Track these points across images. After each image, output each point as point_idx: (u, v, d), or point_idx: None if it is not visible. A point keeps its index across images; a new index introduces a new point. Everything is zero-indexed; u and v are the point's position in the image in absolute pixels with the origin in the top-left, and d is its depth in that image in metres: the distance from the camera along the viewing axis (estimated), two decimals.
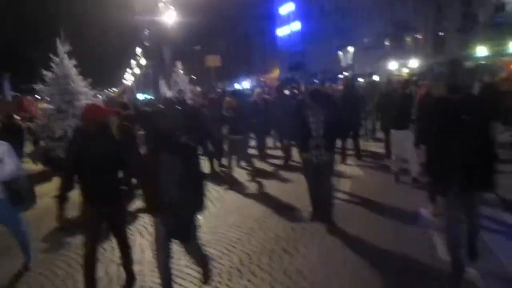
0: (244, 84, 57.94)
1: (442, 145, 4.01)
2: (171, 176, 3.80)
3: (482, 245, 4.68)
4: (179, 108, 11.67)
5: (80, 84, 12.07)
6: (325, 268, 4.89)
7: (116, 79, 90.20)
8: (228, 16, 66.03)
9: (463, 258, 4.13)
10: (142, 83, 73.04)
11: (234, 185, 9.00)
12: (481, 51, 32.21)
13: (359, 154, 10.80)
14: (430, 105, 4.74)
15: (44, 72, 11.69)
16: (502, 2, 32.15)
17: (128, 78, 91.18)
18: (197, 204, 4.04)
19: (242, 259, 5.30)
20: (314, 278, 4.67)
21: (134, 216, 7.19)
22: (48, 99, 11.84)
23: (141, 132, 10.67)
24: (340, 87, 15.74)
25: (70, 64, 11.87)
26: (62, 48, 11.77)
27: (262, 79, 57.08)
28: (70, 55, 12.02)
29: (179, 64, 28.42)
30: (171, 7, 33.27)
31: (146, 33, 56.67)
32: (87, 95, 12.23)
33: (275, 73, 62.39)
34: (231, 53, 64.84)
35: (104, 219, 4.47)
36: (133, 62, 73.64)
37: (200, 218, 4.24)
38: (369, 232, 5.84)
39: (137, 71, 74.44)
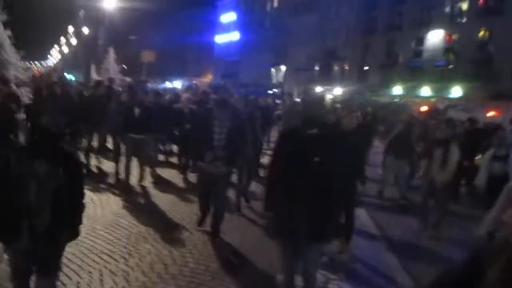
0: (176, 84, 58.06)
1: (286, 186, 3.58)
2: (42, 192, 2.96)
3: None
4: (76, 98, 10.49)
5: (12, 55, 12.21)
6: (207, 246, 5.77)
7: (42, 53, 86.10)
8: (168, 11, 65.85)
9: None
10: (69, 63, 70.51)
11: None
12: (398, 89, 35.30)
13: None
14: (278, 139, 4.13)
15: None
16: (420, 49, 35.55)
17: (55, 55, 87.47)
18: (70, 231, 3.21)
19: (149, 230, 6.11)
20: (198, 253, 5.50)
21: None
22: None
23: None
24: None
25: (5, 34, 12.00)
26: None
27: (194, 81, 57.56)
28: (6, 25, 12.15)
29: (111, 51, 28.29)
30: None
31: (81, 14, 55.20)
32: (16, 66, 12.38)
33: (208, 78, 63.18)
34: (166, 50, 64.66)
35: None
36: (62, 39, 71.09)
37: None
38: (248, 242, 6.02)
39: (65, 49, 71.89)
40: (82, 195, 3.26)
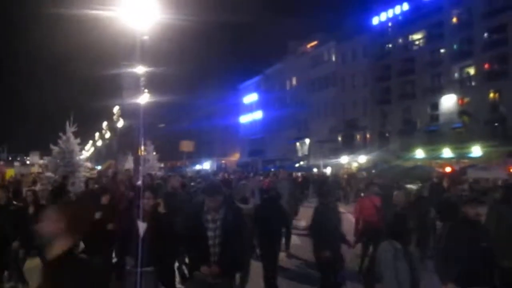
0: (205, 165, 60.60)
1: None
2: None
3: None
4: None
5: (80, 158, 14.53)
6: None
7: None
8: (194, 99, 69.89)
9: None
10: (103, 155, 74.20)
11: None
12: (419, 153, 36.68)
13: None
14: None
15: (52, 146, 14.14)
16: (436, 113, 37.37)
17: (87, 149, 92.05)
18: None
19: None
20: None
21: None
22: (52, 169, 14.17)
23: None
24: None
25: (75, 142, 14.39)
26: (70, 128, 14.36)
27: (223, 161, 60.09)
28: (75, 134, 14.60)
29: (149, 142, 30.68)
30: (145, 90, 36.27)
31: (116, 110, 59.30)
32: (85, 168, 14.66)
33: (235, 156, 65.83)
34: (194, 133, 68.10)
35: None
36: (97, 134, 75.49)
37: None
38: None
39: (99, 143, 76.08)
40: None
